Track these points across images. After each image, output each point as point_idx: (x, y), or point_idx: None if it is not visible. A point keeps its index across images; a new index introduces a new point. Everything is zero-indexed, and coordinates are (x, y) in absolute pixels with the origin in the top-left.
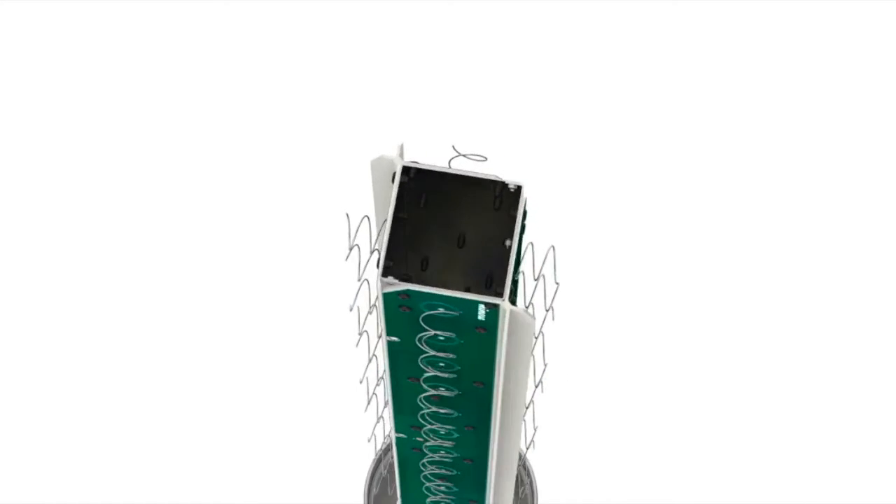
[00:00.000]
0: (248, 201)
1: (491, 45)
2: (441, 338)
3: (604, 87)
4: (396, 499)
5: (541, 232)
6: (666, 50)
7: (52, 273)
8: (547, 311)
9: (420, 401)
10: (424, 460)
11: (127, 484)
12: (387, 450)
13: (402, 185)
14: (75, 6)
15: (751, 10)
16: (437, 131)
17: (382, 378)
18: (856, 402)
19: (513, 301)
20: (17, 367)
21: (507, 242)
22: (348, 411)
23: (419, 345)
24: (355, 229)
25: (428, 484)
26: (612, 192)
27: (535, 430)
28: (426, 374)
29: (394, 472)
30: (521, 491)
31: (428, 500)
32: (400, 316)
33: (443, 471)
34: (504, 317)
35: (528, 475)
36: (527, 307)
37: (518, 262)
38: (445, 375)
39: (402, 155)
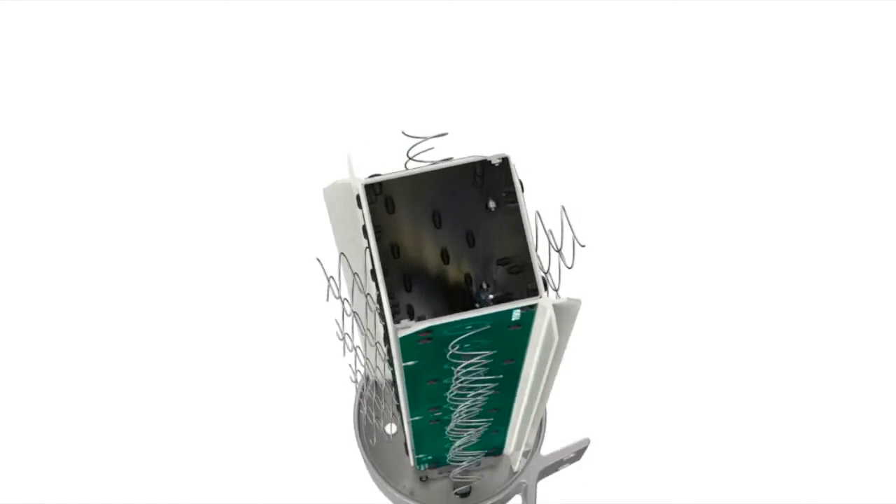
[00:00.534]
0: (234, 198)
1: (479, 45)
2: (468, 345)
3: (603, 87)
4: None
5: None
6: (666, 50)
7: (51, 271)
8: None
9: (439, 395)
10: (445, 427)
11: (114, 465)
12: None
13: (371, 207)
14: (67, 6)
15: (751, 11)
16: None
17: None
18: (856, 402)
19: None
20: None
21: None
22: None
23: (442, 358)
24: (334, 271)
25: (447, 435)
26: (611, 192)
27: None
28: (445, 380)
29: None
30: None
31: (447, 445)
32: (419, 347)
33: (466, 422)
34: (544, 312)
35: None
36: (556, 290)
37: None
38: (472, 369)
39: (353, 172)
